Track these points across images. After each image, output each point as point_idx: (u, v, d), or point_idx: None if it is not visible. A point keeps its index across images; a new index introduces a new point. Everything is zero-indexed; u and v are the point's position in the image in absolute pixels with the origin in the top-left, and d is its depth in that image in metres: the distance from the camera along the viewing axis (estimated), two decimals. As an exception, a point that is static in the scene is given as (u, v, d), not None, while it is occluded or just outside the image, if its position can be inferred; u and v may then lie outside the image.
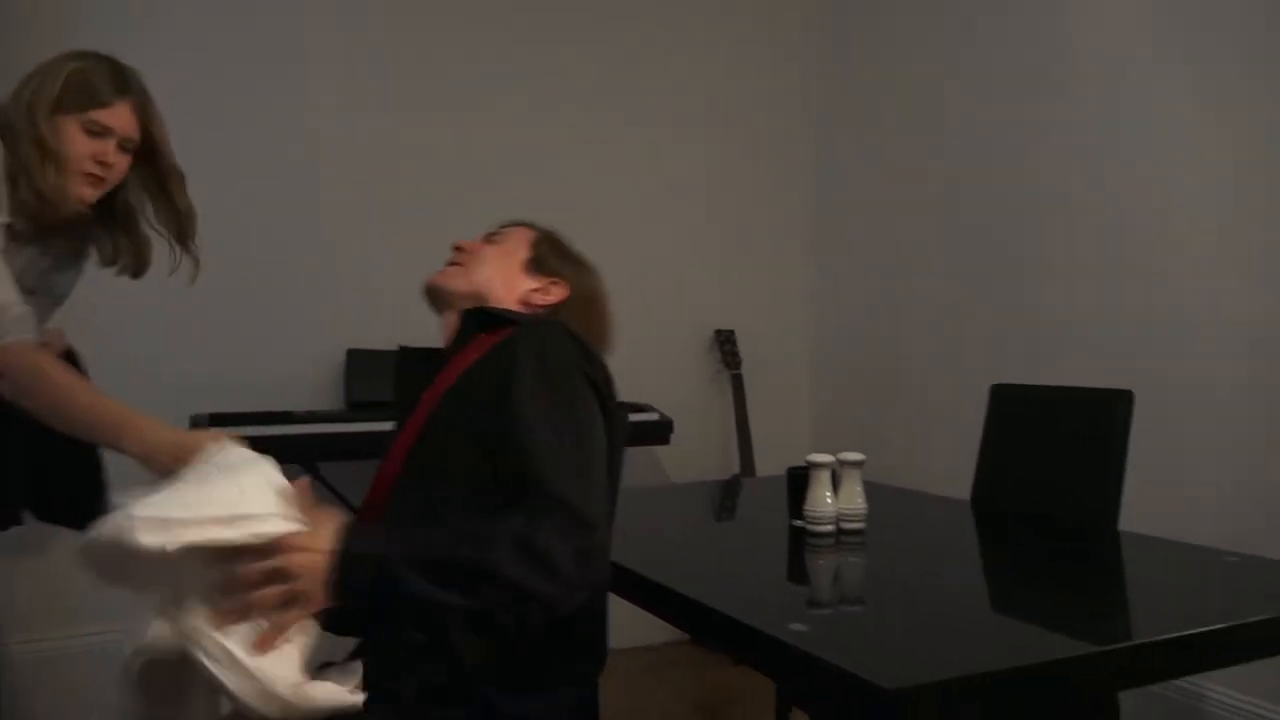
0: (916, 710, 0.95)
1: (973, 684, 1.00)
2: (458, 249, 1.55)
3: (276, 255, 3.10)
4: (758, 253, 3.90)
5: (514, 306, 1.49)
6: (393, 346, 3.11)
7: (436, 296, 1.52)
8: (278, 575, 1.07)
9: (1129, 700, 1.72)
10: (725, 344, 3.72)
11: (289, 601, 1.08)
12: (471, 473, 1.27)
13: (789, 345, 3.96)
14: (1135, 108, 2.60)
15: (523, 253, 1.53)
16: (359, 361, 3.05)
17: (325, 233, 3.15)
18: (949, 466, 2.48)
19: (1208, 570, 1.52)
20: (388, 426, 2.77)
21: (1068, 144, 2.81)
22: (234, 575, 1.07)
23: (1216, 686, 2.35)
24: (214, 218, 2.99)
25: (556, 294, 1.51)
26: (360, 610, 1.14)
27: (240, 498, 1.11)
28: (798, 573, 1.60)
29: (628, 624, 1.40)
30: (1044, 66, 2.89)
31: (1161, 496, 2.39)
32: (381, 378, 3.01)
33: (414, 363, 1.59)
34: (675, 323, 3.71)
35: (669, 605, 1.31)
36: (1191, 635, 1.17)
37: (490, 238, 1.57)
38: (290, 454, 2.74)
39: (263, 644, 1.06)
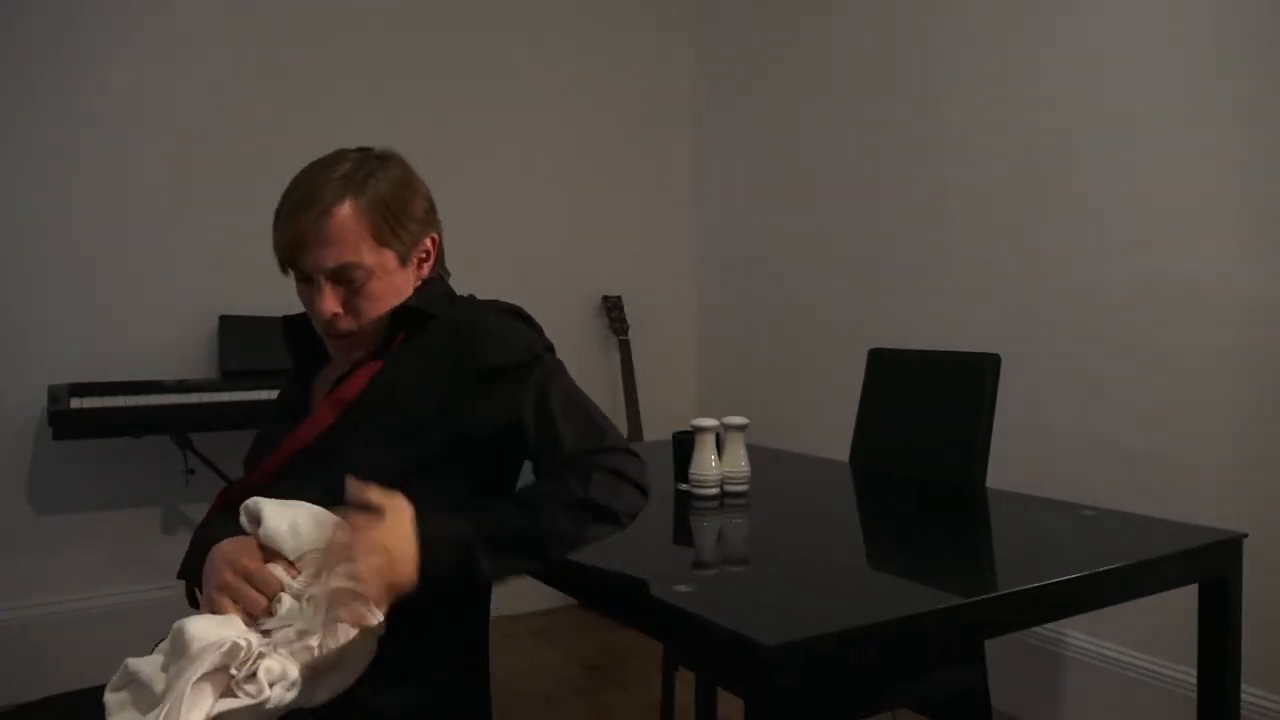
0: (794, 664, 0.98)
1: (847, 638, 1.04)
2: (339, 333, 1.35)
3: (144, 216, 2.95)
4: (644, 220, 3.91)
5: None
6: (268, 312, 3.02)
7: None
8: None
9: (995, 647, 1.81)
10: (613, 310, 3.73)
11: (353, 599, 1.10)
12: (401, 463, 1.26)
13: (675, 311, 4.00)
14: (1003, 76, 2.69)
15: (388, 261, 1.34)
16: (233, 328, 2.94)
17: (195, 193, 3.01)
18: (831, 429, 2.55)
19: (1067, 524, 1.61)
20: (264, 396, 2.71)
21: (941, 114, 2.89)
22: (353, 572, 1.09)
23: (1074, 632, 2.50)
24: (78, 176, 2.84)
25: (430, 252, 1.42)
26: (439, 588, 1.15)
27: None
28: (683, 535, 1.62)
29: (518, 590, 1.40)
30: (924, 34, 2.97)
31: (1028, 453, 2.51)
32: (257, 345, 2.91)
33: (306, 335, 1.46)
34: (563, 289, 3.70)
35: (558, 571, 1.31)
36: (1050, 585, 1.23)
37: (347, 281, 1.31)
38: (160, 425, 2.65)
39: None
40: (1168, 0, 2.29)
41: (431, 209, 1.42)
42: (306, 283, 1.33)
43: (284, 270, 1.34)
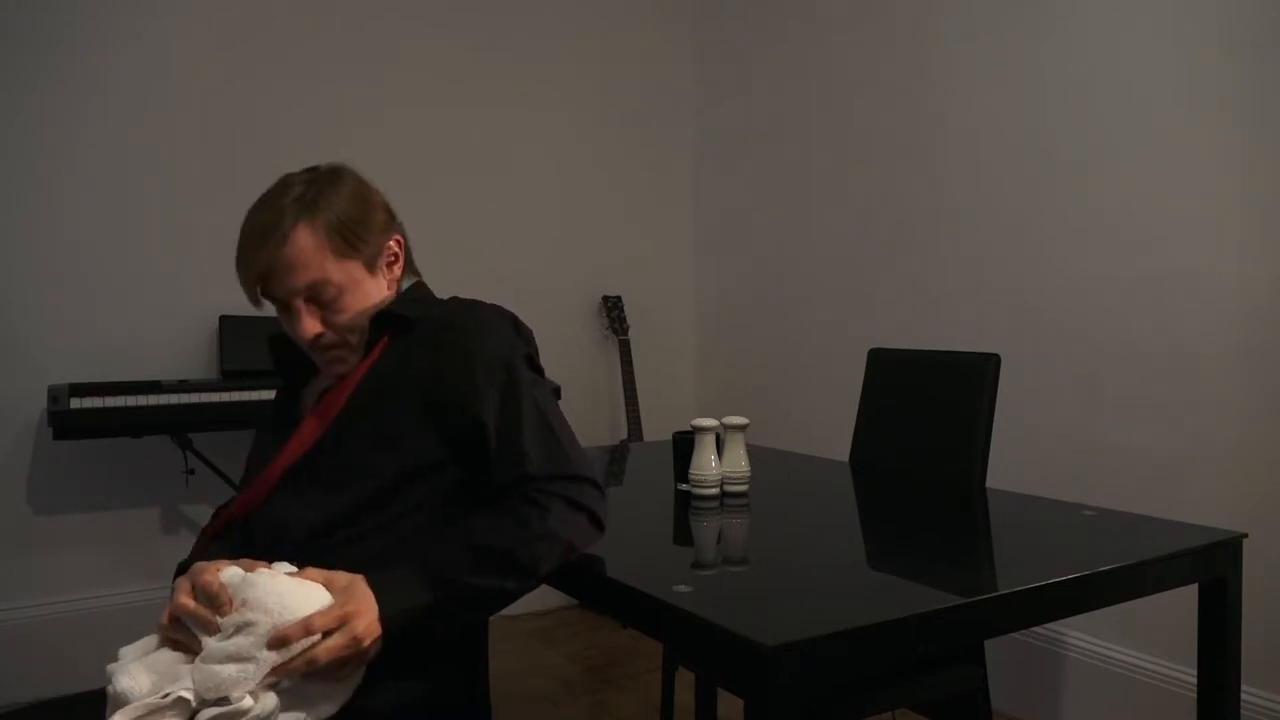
0: (794, 664, 0.98)
1: (847, 638, 1.04)
2: (325, 348, 1.37)
3: (144, 216, 2.95)
4: (644, 220, 3.91)
5: (388, 292, 1.43)
6: (268, 313, 3.01)
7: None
8: (351, 645, 1.10)
9: (995, 647, 1.81)
10: (613, 309, 3.73)
11: (349, 660, 1.11)
12: (389, 471, 1.28)
13: (675, 311, 4.00)
14: (1001, 76, 2.69)
15: (355, 271, 1.36)
16: (233, 328, 2.93)
17: (195, 193, 3.01)
18: (831, 429, 2.55)
19: (1067, 524, 1.61)
20: (264, 396, 2.71)
21: (940, 114, 2.89)
22: (312, 656, 1.09)
23: (1074, 632, 2.50)
24: (77, 176, 2.84)
25: (397, 254, 1.44)
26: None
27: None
28: (683, 535, 1.62)
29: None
30: (922, 34, 2.97)
31: (1028, 453, 2.51)
32: (257, 345, 2.90)
33: (292, 349, 1.48)
34: (563, 289, 3.70)
35: (558, 572, 1.31)
36: (1050, 585, 1.23)
37: (320, 300, 1.34)
38: (160, 425, 2.65)
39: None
40: None
41: (389, 214, 1.43)
42: (285, 310, 1.36)
43: (255, 303, 1.37)
